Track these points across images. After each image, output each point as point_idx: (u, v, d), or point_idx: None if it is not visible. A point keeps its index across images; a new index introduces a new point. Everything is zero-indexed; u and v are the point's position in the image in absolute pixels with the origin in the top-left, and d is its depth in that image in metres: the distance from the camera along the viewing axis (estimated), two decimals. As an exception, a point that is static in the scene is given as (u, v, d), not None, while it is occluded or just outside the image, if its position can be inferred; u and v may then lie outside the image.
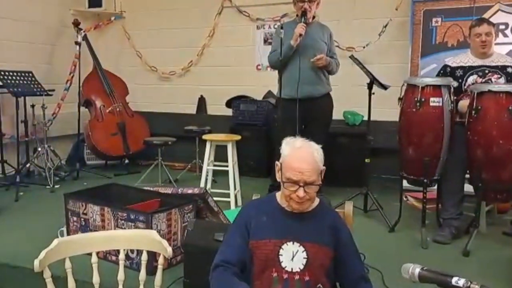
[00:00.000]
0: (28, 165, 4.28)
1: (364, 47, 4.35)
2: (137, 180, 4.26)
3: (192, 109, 5.28)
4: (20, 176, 3.99)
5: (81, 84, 4.75)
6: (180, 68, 5.25)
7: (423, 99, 2.68)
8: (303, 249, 1.48)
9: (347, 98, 4.54)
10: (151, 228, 2.28)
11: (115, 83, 4.97)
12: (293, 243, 1.48)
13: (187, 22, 5.15)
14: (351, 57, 3.23)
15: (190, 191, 2.57)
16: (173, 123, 5.11)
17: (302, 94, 3.27)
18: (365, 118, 4.39)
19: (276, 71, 3.58)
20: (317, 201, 1.57)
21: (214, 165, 3.64)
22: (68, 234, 2.67)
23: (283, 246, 1.48)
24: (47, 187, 4.06)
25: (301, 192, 1.44)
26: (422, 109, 2.68)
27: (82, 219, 2.56)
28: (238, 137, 3.56)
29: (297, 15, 3.54)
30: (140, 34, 5.39)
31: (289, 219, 1.52)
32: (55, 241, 1.68)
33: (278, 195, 1.59)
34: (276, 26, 3.73)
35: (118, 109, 4.82)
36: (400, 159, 2.95)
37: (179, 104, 5.30)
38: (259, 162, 4.47)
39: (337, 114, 4.54)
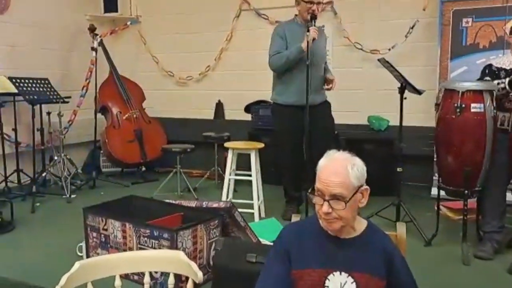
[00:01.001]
0: (44, 174, 4.19)
1: (389, 50, 4.17)
2: (155, 189, 4.15)
3: (209, 115, 5.15)
4: (36, 185, 3.89)
5: (97, 91, 4.65)
6: (198, 73, 5.13)
7: (463, 105, 2.50)
8: (352, 280, 1.32)
9: (372, 102, 4.38)
10: (176, 246, 2.14)
11: (131, 89, 4.87)
12: (340, 273, 1.32)
13: (204, 26, 5.02)
14: (381, 60, 3.06)
15: (215, 205, 2.42)
16: (190, 129, 4.99)
17: (302, 101, 3.09)
18: (392, 123, 4.27)
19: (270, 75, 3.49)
20: (364, 223, 1.41)
21: (237, 175, 3.49)
22: (87, 250, 2.54)
23: (329, 277, 1.32)
24: (63, 197, 3.96)
25: (325, 207, 1.29)
26: (462, 116, 2.51)
27: (102, 235, 2.43)
28: (261, 145, 3.41)
29: (295, 15, 3.40)
30: (156, 39, 5.28)
31: (335, 245, 1.36)
32: (77, 265, 1.55)
33: (320, 217, 1.43)
34: (276, 26, 3.62)
35: (135, 116, 4.72)
36: (438, 169, 2.77)
37: (196, 110, 5.17)
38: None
39: (361, 119, 4.40)
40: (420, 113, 4.10)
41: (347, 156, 1.35)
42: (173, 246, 2.15)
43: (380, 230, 1.44)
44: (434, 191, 3.95)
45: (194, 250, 2.23)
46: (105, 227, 2.41)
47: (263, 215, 3.44)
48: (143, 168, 4.71)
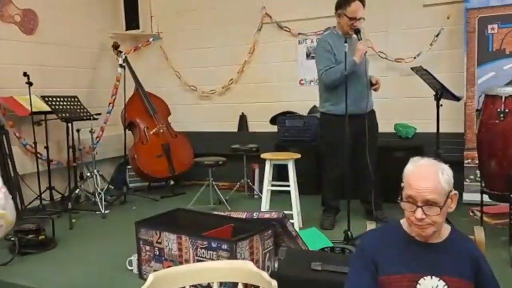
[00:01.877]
0: (77, 190, 4.22)
1: (414, 58, 4.22)
2: (184, 202, 4.17)
3: (232, 127, 5.19)
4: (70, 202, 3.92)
5: (125, 107, 4.70)
6: (221, 86, 5.19)
7: (506, 110, 2.54)
8: (443, 283, 1.34)
9: (398, 110, 4.42)
10: (236, 257, 2.17)
11: (157, 104, 4.93)
12: (431, 278, 1.35)
13: (226, 40, 5.09)
14: (416, 68, 3.11)
15: (267, 216, 2.45)
16: (215, 142, 5.04)
17: (358, 110, 3.19)
18: (418, 130, 4.31)
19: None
20: (448, 228, 1.44)
21: (274, 185, 3.51)
22: (139, 264, 2.56)
23: (420, 281, 1.35)
24: (97, 212, 3.98)
25: (418, 213, 1.32)
26: (506, 120, 2.55)
27: (156, 248, 2.46)
28: (298, 156, 3.44)
29: (334, 27, 3.47)
30: (178, 54, 5.35)
31: (422, 250, 1.39)
32: (151, 277, 1.58)
33: (404, 222, 1.46)
34: (317, 40, 3.60)
35: (161, 131, 4.76)
36: (481, 173, 2.79)
37: (219, 123, 5.22)
38: (309, 179, 4.31)
39: (388, 127, 4.43)
40: (447, 120, 4.13)
41: (434, 162, 1.39)
42: (232, 256, 2.17)
43: (465, 235, 1.47)
44: (465, 196, 3.97)
45: (251, 261, 2.25)
46: (159, 240, 2.44)
47: (300, 225, 3.45)
48: (172, 182, 4.74)
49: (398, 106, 4.43)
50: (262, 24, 4.96)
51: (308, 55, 4.80)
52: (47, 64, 4.52)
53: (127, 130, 4.79)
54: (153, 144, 4.69)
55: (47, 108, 4.03)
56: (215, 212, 2.74)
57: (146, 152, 4.63)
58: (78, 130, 4.26)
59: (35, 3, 4.41)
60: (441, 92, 3.03)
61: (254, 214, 2.51)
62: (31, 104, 3.89)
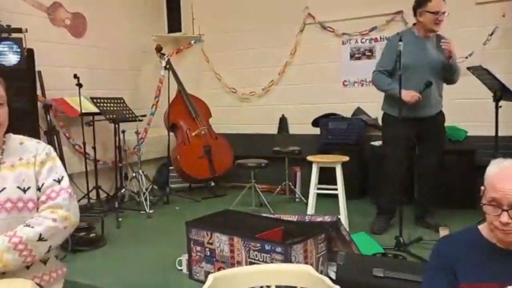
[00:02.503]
0: (123, 190, 4.29)
1: (466, 57, 4.05)
2: (226, 203, 4.17)
3: (272, 129, 5.16)
4: (117, 201, 4.00)
5: (168, 109, 4.76)
6: (261, 88, 5.17)
7: None
8: (529, 293, 1.25)
9: (447, 113, 4.25)
10: (290, 260, 2.12)
11: (199, 106, 4.97)
12: (515, 288, 1.26)
13: (267, 42, 5.08)
14: (475, 67, 2.98)
15: (319, 219, 2.39)
16: (255, 144, 5.02)
17: (415, 114, 3.12)
18: (469, 133, 4.14)
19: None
20: (530, 236, 1.34)
21: (321, 189, 3.44)
22: (189, 264, 2.56)
23: (504, 290, 1.26)
24: (142, 212, 4.04)
25: (504, 217, 1.24)
26: None
27: (207, 249, 2.45)
28: (346, 158, 3.36)
29: (414, 24, 3.34)
30: (219, 56, 5.38)
31: (505, 259, 1.30)
32: (211, 277, 1.57)
33: (483, 228, 1.38)
34: (388, 37, 3.40)
35: (203, 132, 4.79)
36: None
37: (259, 125, 5.20)
38: (353, 183, 4.21)
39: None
40: (501, 122, 3.93)
41: None
42: (286, 260, 2.13)
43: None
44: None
45: (305, 264, 2.19)
46: (210, 241, 2.43)
47: (347, 229, 3.36)
48: (212, 184, 4.76)
49: (447, 108, 4.24)
50: (304, 25, 4.91)
51: (352, 56, 4.71)
52: (95, 66, 4.63)
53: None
54: (195, 146, 4.72)
55: (95, 109, 4.12)
56: (264, 214, 2.71)
57: (188, 153, 4.67)
58: (123, 131, 4.34)
59: (83, 7, 4.53)
60: (501, 93, 2.88)
61: (306, 217, 2.46)
62: (80, 106, 3.99)
